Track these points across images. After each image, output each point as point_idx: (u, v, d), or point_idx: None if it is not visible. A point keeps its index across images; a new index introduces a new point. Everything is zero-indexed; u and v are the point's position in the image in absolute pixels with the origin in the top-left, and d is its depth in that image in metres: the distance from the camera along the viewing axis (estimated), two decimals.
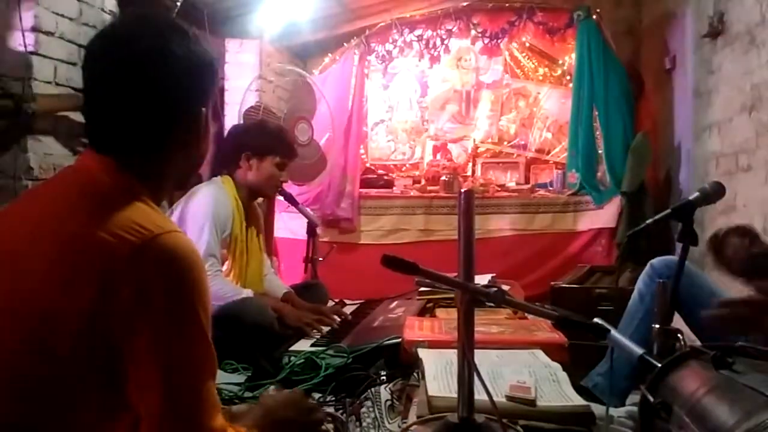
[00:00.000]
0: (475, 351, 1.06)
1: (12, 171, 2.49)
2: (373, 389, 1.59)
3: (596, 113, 4.42)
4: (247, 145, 2.43)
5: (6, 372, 0.84)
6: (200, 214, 2.23)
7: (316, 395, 1.65)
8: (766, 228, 2.74)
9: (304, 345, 2.01)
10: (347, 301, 2.75)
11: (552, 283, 3.12)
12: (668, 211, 1.63)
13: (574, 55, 4.66)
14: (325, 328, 2.20)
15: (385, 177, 4.94)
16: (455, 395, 1.08)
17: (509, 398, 1.22)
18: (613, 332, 1.12)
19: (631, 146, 4.07)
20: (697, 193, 1.63)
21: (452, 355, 1.19)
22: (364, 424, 1.47)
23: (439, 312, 2.22)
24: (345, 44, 4.85)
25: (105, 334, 0.82)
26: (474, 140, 5.06)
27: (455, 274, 1.07)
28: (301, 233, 3.01)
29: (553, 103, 4.99)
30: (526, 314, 1.98)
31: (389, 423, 1.46)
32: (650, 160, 4.11)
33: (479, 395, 1.05)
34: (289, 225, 4.21)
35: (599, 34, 4.46)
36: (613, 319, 1.28)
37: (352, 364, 1.76)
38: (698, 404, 0.88)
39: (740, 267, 1.55)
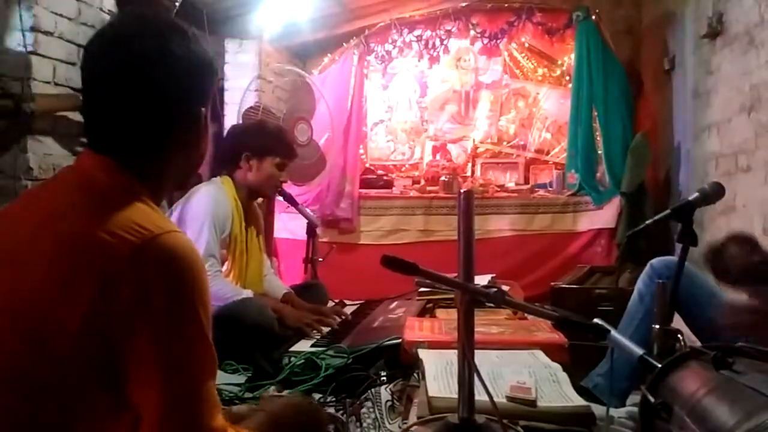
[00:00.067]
0: (475, 351, 1.06)
1: (12, 171, 2.50)
2: (373, 390, 1.59)
3: (595, 113, 4.43)
4: (246, 146, 2.43)
5: (6, 372, 0.84)
6: (199, 214, 2.22)
7: (317, 396, 1.65)
8: (766, 228, 2.74)
9: (304, 345, 2.01)
10: (347, 302, 2.74)
11: (552, 283, 3.12)
12: (668, 211, 1.64)
13: (573, 56, 4.66)
14: (325, 329, 2.19)
15: (385, 177, 4.93)
16: (455, 396, 1.08)
17: (509, 399, 1.22)
18: (613, 333, 1.12)
19: (631, 147, 4.07)
20: (696, 194, 1.64)
21: (452, 355, 1.19)
22: (364, 424, 1.47)
23: (439, 312, 2.23)
24: (344, 44, 4.85)
25: (105, 334, 0.81)
26: (473, 140, 5.05)
27: (455, 274, 1.07)
28: (301, 234, 3.00)
29: (553, 104, 4.98)
30: (526, 315, 1.98)
31: (389, 423, 1.46)
32: (650, 160, 4.11)
33: (479, 396, 1.05)
34: (288, 225, 4.21)
35: (598, 35, 4.47)
36: (613, 320, 1.28)
37: (352, 364, 1.76)
38: (698, 405, 0.88)
39: (743, 276, 1.50)
